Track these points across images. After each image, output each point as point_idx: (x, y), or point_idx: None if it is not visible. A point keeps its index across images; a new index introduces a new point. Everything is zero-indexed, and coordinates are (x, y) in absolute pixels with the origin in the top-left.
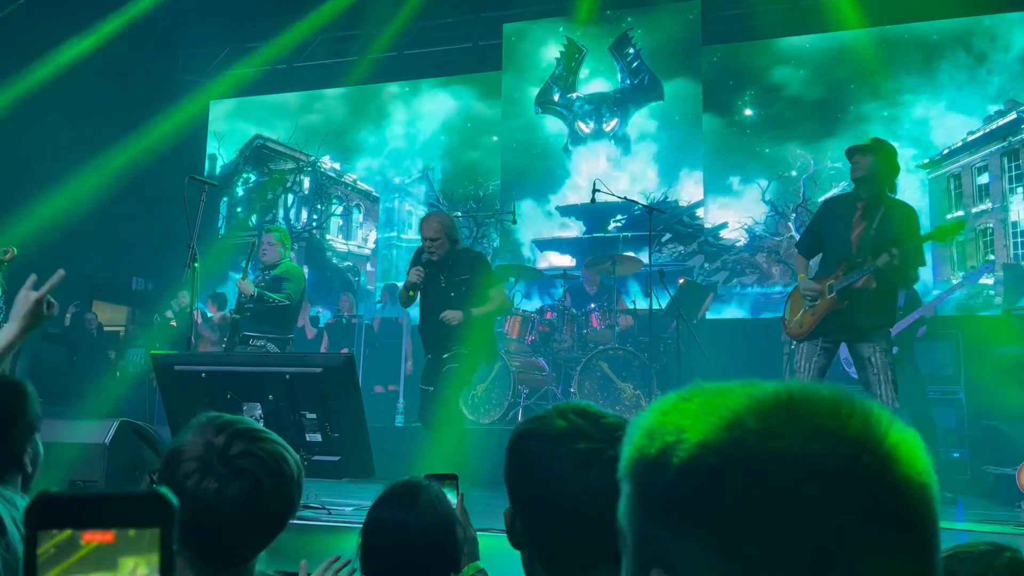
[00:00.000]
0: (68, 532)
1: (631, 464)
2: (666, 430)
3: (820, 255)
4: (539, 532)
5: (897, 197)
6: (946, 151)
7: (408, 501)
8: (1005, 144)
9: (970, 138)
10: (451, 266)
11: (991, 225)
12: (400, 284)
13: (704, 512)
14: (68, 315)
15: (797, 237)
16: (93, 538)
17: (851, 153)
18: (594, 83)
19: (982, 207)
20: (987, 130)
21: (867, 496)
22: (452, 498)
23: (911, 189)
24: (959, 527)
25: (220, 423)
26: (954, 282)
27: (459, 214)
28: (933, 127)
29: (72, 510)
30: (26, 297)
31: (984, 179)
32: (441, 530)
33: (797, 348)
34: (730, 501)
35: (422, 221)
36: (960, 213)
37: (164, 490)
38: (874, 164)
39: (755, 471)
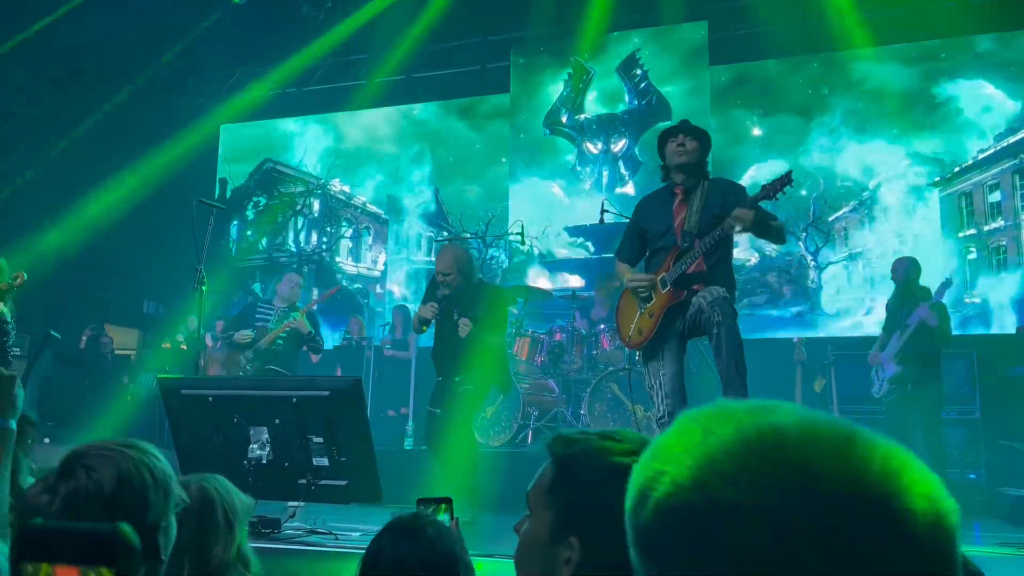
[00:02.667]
0: (44, 566)
1: (628, 505)
2: (651, 466)
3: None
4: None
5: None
6: (957, 169)
7: (412, 533)
8: (1016, 162)
9: (981, 156)
10: (467, 302)
11: (1004, 243)
12: (409, 304)
13: (667, 550)
14: (84, 338)
15: (809, 256)
16: (63, 573)
17: (674, 133)
18: (602, 104)
19: (994, 225)
20: (998, 148)
21: (831, 562)
22: (445, 522)
23: (924, 206)
24: (976, 551)
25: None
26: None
27: (468, 235)
28: (944, 145)
29: (49, 542)
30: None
31: (996, 197)
32: (443, 567)
33: (644, 368)
34: (690, 543)
35: (438, 253)
36: (973, 231)
37: (125, 528)
38: (699, 149)
39: (715, 519)
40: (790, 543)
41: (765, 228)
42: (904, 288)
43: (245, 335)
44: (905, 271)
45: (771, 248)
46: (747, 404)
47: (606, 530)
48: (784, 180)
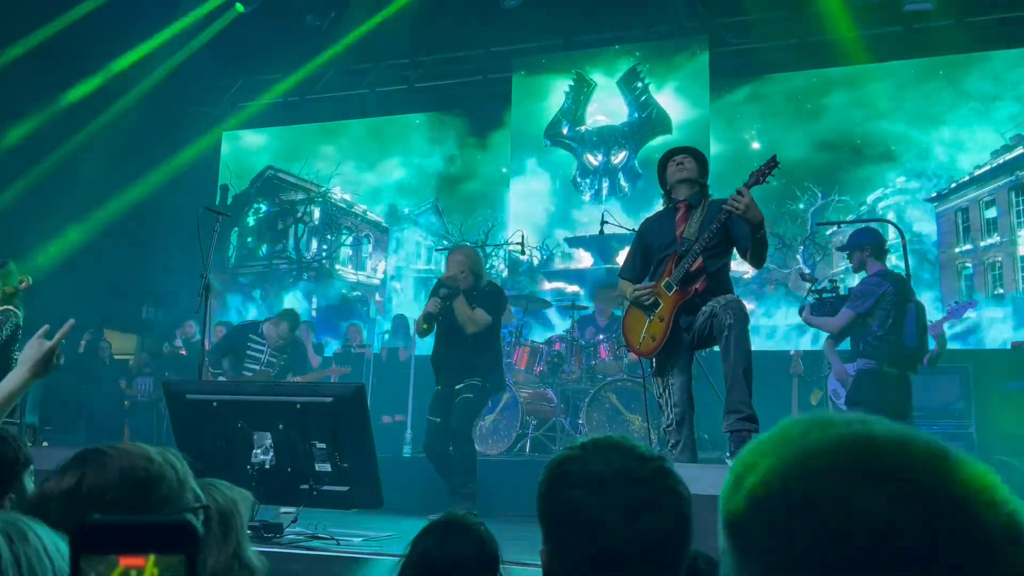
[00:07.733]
0: (107, 557)
1: (723, 492)
2: (747, 460)
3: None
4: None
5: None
6: (954, 185)
7: (465, 531)
8: (1012, 178)
9: (977, 172)
10: (470, 300)
11: (1000, 259)
12: (407, 315)
13: (755, 533)
14: (83, 342)
15: (806, 269)
16: (128, 562)
17: (673, 154)
18: (603, 116)
19: (990, 241)
20: (994, 165)
21: (893, 558)
22: None
23: (920, 222)
24: None
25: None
26: (940, 317)
27: (467, 244)
28: (941, 161)
29: (110, 535)
30: (39, 345)
31: (992, 213)
32: (489, 567)
33: (653, 382)
34: (777, 529)
35: (448, 254)
36: (969, 247)
37: (191, 518)
38: (697, 168)
39: (802, 509)
40: (872, 536)
41: (757, 227)
42: None
43: None
44: None
45: (768, 261)
46: (845, 416)
47: (559, 549)
48: (770, 164)
